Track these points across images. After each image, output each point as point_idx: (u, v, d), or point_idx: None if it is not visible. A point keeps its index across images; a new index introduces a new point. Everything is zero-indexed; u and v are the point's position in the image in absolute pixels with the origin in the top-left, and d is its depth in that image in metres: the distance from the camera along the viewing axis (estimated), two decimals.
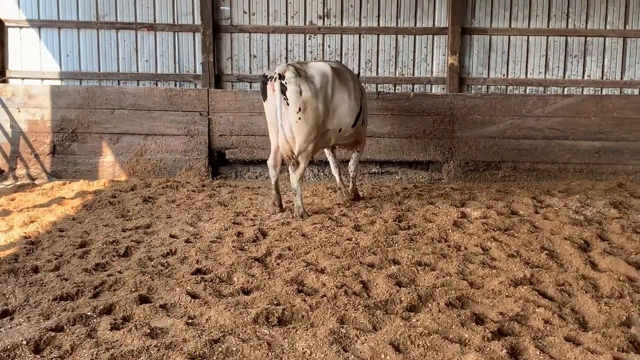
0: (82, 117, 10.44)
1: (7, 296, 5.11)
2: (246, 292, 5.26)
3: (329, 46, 10.85)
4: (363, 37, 10.81)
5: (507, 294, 5.19)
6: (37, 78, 10.87)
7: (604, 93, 10.82)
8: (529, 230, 7.14)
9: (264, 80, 7.64)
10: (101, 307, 4.79)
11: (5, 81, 10.75)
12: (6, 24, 10.76)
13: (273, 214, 7.96)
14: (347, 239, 6.74)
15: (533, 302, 4.97)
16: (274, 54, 10.90)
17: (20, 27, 10.80)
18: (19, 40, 10.84)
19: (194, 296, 5.10)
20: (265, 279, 5.50)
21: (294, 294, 5.07)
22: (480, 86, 10.89)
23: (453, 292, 5.20)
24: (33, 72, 10.87)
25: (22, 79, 10.89)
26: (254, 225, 7.38)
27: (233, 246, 6.48)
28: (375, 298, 5.10)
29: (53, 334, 4.28)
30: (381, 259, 6.02)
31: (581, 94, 10.76)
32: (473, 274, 5.70)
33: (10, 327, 4.49)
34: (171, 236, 6.92)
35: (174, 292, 5.14)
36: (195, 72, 10.91)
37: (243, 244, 6.60)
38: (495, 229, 7.19)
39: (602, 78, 10.83)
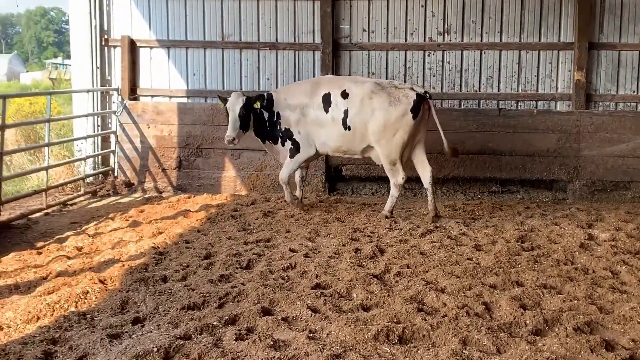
0: (207, 133, 10.85)
1: (139, 304, 5.36)
2: (365, 309, 5.25)
3: (449, 62, 10.74)
4: (484, 52, 10.62)
5: (639, 320, 4.92)
6: (165, 96, 11.40)
7: None
8: None
9: (421, 98, 8.35)
10: (226, 317, 4.92)
11: (136, 99, 11.34)
12: (137, 44, 11.36)
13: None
14: (468, 259, 6.60)
15: None
16: (392, 71, 10.91)
17: (151, 47, 11.38)
18: (149, 60, 11.41)
19: (314, 310, 5.14)
20: (384, 296, 5.47)
21: (414, 313, 5.02)
22: (608, 103, 10.43)
23: (581, 316, 5.00)
24: (162, 90, 11.42)
25: (152, 96, 11.45)
26: (372, 241, 7.37)
27: (351, 262, 6.49)
28: (498, 320, 4.96)
29: (182, 342, 4.44)
30: (504, 280, 5.86)
31: None
32: (602, 299, 5.45)
33: (142, 334, 4.70)
34: (291, 250, 7.02)
35: (295, 306, 5.21)
36: None
37: (361, 260, 6.61)
38: (625, 252, 6.84)
39: None
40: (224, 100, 8.80)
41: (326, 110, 8.64)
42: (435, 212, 8.48)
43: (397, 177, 8.48)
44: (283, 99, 8.91)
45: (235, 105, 8.66)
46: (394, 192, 8.61)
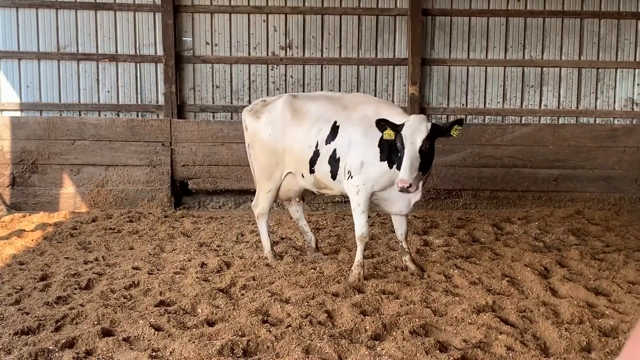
0: (43, 148, 10.33)
1: None
2: (211, 324, 5.23)
3: (292, 76, 10.94)
4: (325, 67, 10.93)
5: (469, 321, 5.24)
6: None
7: (560, 122, 11.09)
8: (490, 257, 7.25)
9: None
10: (63, 340, 4.71)
11: None
12: None
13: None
14: (312, 268, 6.75)
15: (495, 329, 5.03)
16: (236, 85, 10.95)
17: None
18: None
19: (157, 328, 5.05)
20: (230, 309, 5.48)
21: (259, 325, 5.06)
22: (440, 115, 11.07)
23: (417, 320, 5.24)
24: None
25: None
26: (218, 255, 7.35)
27: (197, 277, 6.43)
28: (340, 327, 5.11)
29: None
30: (345, 288, 6.04)
31: (538, 122, 11.02)
32: (436, 302, 5.75)
33: None
34: (134, 268, 6.85)
35: (137, 325, 5.09)
36: (157, 102, 10.89)
37: (207, 275, 6.57)
38: (457, 256, 7.28)
39: (558, 107, 11.11)
40: (394, 127, 6.00)
41: None
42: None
43: None
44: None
45: (417, 134, 5.90)
46: None
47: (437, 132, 5.95)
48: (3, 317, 5.29)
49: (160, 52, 10.76)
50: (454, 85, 11.05)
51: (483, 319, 5.23)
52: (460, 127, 6.01)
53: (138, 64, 10.83)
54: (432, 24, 10.96)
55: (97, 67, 10.79)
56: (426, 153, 5.87)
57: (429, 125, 5.90)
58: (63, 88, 10.80)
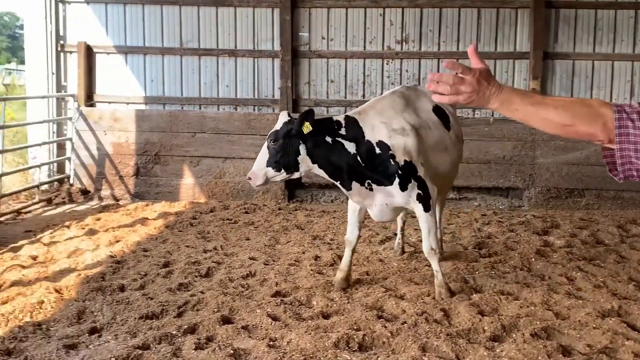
0: (165, 140, 10.75)
1: (96, 314, 5.27)
2: (325, 317, 5.25)
3: (407, 71, 10.84)
4: (442, 61, 10.75)
5: (594, 325, 5.02)
6: (122, 102, 11.26)
7: None
8: (615, 260, 6.90)
9: None
10: (185, 326, 4.87)
11: (92, 105, 11.18)
12: (94, 50, 11.21)
13: None
14: (426, 265, 6.65)
15: (622, 335, 4.79)
16: (351, 79, 10.97)
17: (108, 53, 11.24)
18: (106, 66, 11.26)
19: (274, 318, 5.12)
20: (344, 303, 5.48)
21: (374, 320, 5.04)
22: None
23: (538, 322, 5.06)
24: (119, 97, 11.27)
25: (109, 102, 11.30)
26: (331, 249, 7.38)
27: (311, 270, 6.50)
28: (457, 326, 5.00)
29: (140, 352, 4.38)
30: (462, 287, 5.92)
31: None
32: (558, 305, 5.54)
33: (99, 345, 4.62)
34: (250, 258, 6.99)
35: (255, 314, 5.18)
36: (273, 96, 11.08)
37: (321, 268, 6.62)
38: (580, 258, 6.97)
39: None
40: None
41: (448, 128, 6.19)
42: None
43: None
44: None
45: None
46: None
47: (288, 130, 5.50)
48: (129, 301, 5.53)
49: (277, 47, 10.94)
50: (578, 80, 10.59)
51: (608, 324, 5.00)
52: (308, 122, 5.44)
53: (256, 59, 11.06)
54: (555, 17, 10.55)
55: (217, 62, 11.11)
56: (271, 148, 5.52)
57: (282, 123, 5.54)
58: (185, 82, 11.20)
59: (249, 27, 11.02)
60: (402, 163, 5.58)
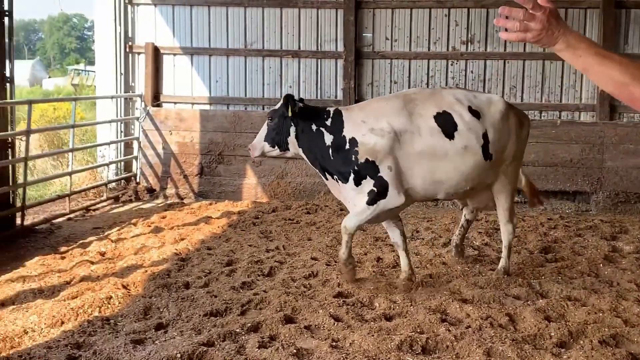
0: (229, 140, 10.89)
1: (162, 310, 5.38)
2: (388, 318, 5.22)
3: (472, 72, 10.70)
4: (507, 62, 10.57)
5: None
6: (187, 102, 11.47)
7: None
8: None
9: None
10: (249, 324, 4.92)
11: (159, 105, 11.42)
12: (161, 51, 11.45)
13: None
14: (491, 269, 6.54)
15: None
16: (414, 80, 10.90)
17: (174, 54, 11.46)
18: (172, 67, 11.49)
19: (337, 319, 5.12)
20: (407, 305, 5.43)
21: (438, 323, 4.98)
22: (632, 114, 10.33)
23: (606, 329, 4.92)
24: (184, 97, 11.49)
25: (174, 103, 11.52)
26: (393, 250, 7.32)
27: (373, 271, 6.48)
28: (522, 332, 4.91)
29: (205, 348, 4.44)
30: (527, 292, 5.80)
31: None
32: (627, 312, 5.37)
33: (165, 340, 4.71)
34: (312, 259, 7.01)
35: (318, 314, 5.19)
36: (336, 97, 11.10)
37: (383, 269, 6.59)
38: None
39: None
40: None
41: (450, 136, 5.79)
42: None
43: (514, 218, 6.46)
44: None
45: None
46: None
47: (282, 111, 5.95)
48: (194, 298, 5.62)
49: (340, 48, 10.96)
50: None
51: None
52: (290, 105, 5.84)
53: (319, 60, 11.10)
54: (626, 17, 10.24)
55: (281, 63, 11.19)
56: (269, 125, 6.03)
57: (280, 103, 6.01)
58: (249, 83, 11.33)
59: (313, 28, 11.07)
60: (362, 161, 5.68)
